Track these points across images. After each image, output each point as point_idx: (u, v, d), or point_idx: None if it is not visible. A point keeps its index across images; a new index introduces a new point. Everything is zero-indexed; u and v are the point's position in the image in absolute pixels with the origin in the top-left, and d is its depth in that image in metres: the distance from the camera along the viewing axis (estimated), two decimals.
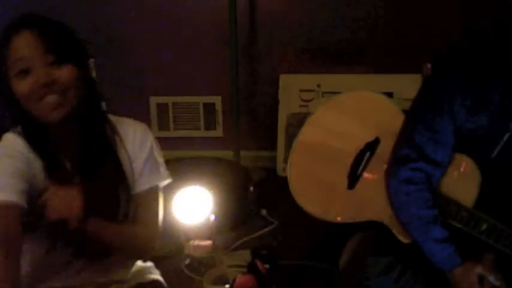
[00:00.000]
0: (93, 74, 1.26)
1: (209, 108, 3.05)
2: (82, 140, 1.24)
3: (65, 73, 1.15)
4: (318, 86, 2.88)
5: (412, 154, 1.52)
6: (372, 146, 1.71)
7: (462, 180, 1.50)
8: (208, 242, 2.26)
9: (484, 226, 1.43)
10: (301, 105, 2.92)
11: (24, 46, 1.13)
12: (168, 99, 3.05)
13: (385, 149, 1.63)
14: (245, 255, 2.17)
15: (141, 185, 1.33)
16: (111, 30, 2.86)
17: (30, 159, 1.19)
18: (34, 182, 1.18)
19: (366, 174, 1.69)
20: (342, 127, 1.78)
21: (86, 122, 1.24)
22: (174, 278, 1.98)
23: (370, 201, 1.60)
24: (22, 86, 1.13)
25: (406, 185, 1.50)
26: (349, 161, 1.72)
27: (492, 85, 1.47)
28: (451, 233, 1.43)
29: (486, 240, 1.43)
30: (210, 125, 3.09)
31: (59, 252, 1.25)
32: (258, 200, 2.59)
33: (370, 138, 1.72)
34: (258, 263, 1.95)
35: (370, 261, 1.45)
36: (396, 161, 1.57)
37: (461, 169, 1.50)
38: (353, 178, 1.70)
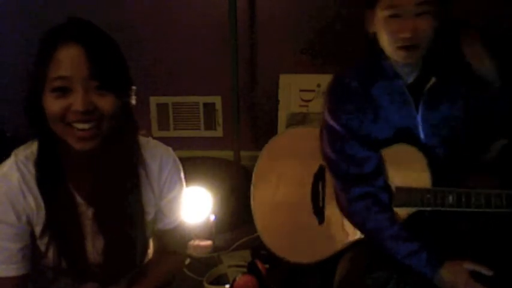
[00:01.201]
0: (133, 101, 1.17)
1: (209, 108, 3.05)
2: (102, 173, 1.13)
3: (106, 103, 1.04)
4: (318, 86, 2.88)
5: (343, 184, 1.55)
6: (320, 176, 1.71)
7: (411, 167, 1.52)
8: (208, 242, 2.26)
9: (451, 198, 1.46)
10: (301, 105, 2.92)
11: (69, 63, 1.01)
12: (168, 99, 3.05)
13: None
14: (245, 255, 2.17)
15: (167, 224, 1.28)
16: (110, 30, 2.85)
17: (21, 198, 1.10)
18: (30, 219, 1.12)
19: (328, 204, 1.69)
20: (287, 171, 1.80)
21: (113, 153, 1.12)
22: (174, 278, 1.98)
23: (344, 225, 1.60)
24: (55, 105, 1.02)
25: (356, 215, 1.53)
26: (308, 199, 1.72)
27: (371, 81, 1.52)
28: (421, 240, 1.44)
29: (460, 210, 1.45)
30: (210, 125, 3.08)
31: (67, 279, 1.22)
32: None
33: (315, 169, 1.72)
34: (258, 263, 1.95)
35: (364, 277, 1.45)
36: (337, 195, 1.60)
37: (404, 158, 1.52)
38: (319, 213, 1.70)
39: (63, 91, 1.02)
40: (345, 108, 1.52)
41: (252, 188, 1.85)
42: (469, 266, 1.37)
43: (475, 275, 1.37)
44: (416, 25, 1.37)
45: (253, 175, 1.86)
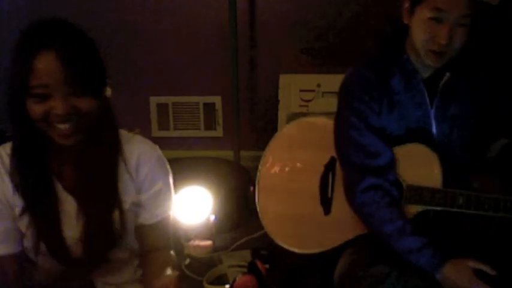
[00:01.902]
0: (109, 93, 1.21)
1: (209, 108, 3.05)
2: (83, 164, 1.20)
3: (85, 104, 1.11)
4: (318, 86, 2.88)
5: (355, 175, 1.54)
6: (330, 167, 1.71)
7: (423, 165, 1.52)
8: (208, 242, 2.26)
9: (461, 199, 1.46)
10: (301, 105, 2.92)
11: (47, 71, 1.06)
12: (168, 99, 3.05)
13: None
14: (245, 255, 2.17)
15: (149, 219, 1.30)
16: (110, 30, 2.86)
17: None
18: (8, 200, 1.19)
19: (336, 195, 1.68)
20: (296, 160, 1.78)
21: (94, 144, 1.19)
22: None
23: (350, 217, 1.59)
24: (37, 109, 1.09)
25: (365, 207, 1.52)
26: (316, 189, 1.72)
27: (389, 73, 1.52)
28: (427, 237, 1.43)
29: (468, 212, 1.45)
30: (210, 125, 3.08)
31: (51, 263, 1.25)
32: None
33: (326, 160, 1.72)
34: (258, 263, 1.95)
35: (364, 272, 1.44)
36: (347, 186, 1.59)
37: (417, 156, 1.52)
38: (326, 203, 1.69)
39: (43, 97, 1.08)
40: (362, 99, 1.52)
41: (258, 175, 1.84)
42: (473, 264, 1.38)
43: (478, 274, 1.37)
44: (454, 34, 1.39)
45: (261, 163, 1.85)
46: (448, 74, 1.50)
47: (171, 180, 1.32)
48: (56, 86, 1.07)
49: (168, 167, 1.31)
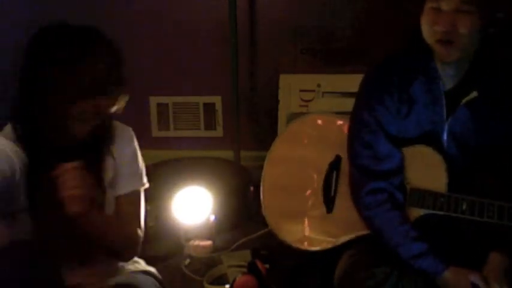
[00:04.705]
0: None
1: (209, 108, 3.05)
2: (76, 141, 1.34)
3: (112, 107, 1.31)
4: (318, 86, 2.88)
5: (361, 177, 1.54)
6: (335, 165, 1.71)
7: (429, 169, 1.51)
8: (208, 242, 2.26)
9: (464, 205, 1.44)
10: (301, 105, 2.92)
11: (98, 70, 1.27)
12: (168, 99, 3.05)
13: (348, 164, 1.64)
14: (245, 255, 2.17)
15: (123, 188, 1.44)
16: (110, 30, 2.85)
17: (12, 155, 1.27)
18: (13, 177, 1.26)
19: (339, 194, 1.68)
20: (302, 157, 1.78)
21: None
22: (174, 278, 1.98)
23: (353, 217, 1.59)
24: (87, 106, 1.26)
25: (368, 209, 1.52)
26: (320, 186, 1.71)
27: (412, 77, 1.50)
28: (429, 242, 1.43)
29: (472, 218, 1.43)
30: (210, 125, 3.08)
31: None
32: (258, 200, 2.59)
33: (331, 158, 1.71)
34: (258, 263, 1.95)
35: (365, 273, 1.44)
36: (353, 187, 1.59)
37: (424, 159, 1.51)
38: (329, 201, 1.69)
39: (93, 96, 1.26)
40: (381, 101, 1.50)
41: (263, 172, 1.84)
42: (474, 279, 1.37)
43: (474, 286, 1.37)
44: (455, 21, 1.36)
45: (267, 158, 1.85)
46: (475, 93, 1.45)
47: (140, 157, 1.48)
48: (109, 87, 1.27)
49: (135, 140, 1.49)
